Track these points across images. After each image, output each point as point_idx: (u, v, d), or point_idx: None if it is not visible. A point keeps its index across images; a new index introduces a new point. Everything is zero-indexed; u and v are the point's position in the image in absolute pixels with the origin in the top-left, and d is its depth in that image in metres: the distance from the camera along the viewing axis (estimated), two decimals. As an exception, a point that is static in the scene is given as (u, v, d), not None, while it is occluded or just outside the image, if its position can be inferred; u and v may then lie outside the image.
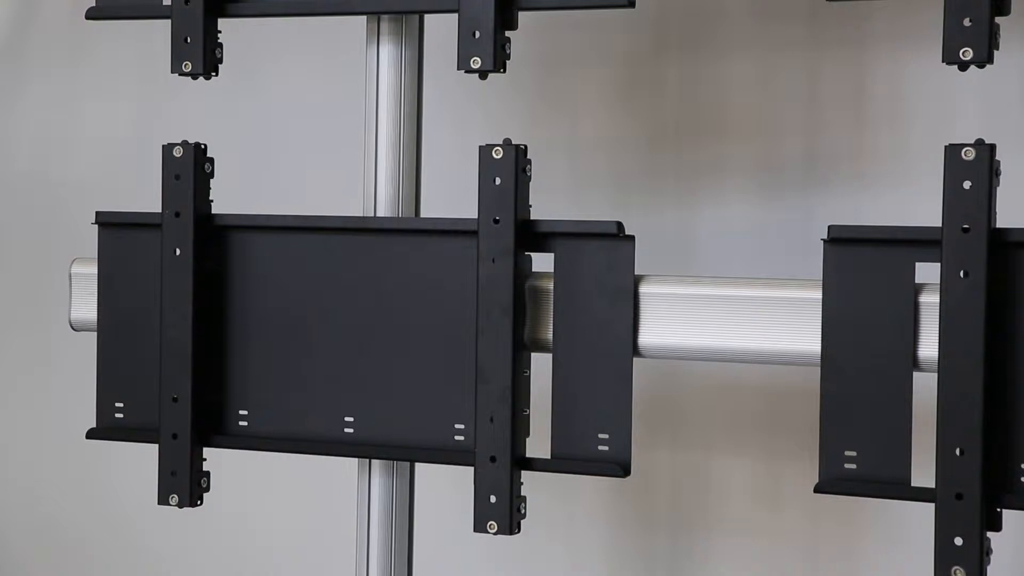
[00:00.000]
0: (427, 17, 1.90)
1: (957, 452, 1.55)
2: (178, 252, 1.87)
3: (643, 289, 1.72)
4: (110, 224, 1.94)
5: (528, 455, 1.76)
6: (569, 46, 2.37)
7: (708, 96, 2.29)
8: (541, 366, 1.77)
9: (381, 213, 1.89)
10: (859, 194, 2.18)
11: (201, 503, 1.89)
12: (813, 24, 2.21)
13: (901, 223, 1.63)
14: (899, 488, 1.61)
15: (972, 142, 1.55)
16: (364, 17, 1.89)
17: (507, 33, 1.75)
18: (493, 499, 1.74)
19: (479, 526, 1.75)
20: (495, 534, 1.75)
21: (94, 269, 1.95)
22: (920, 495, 1.59)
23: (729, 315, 1.69)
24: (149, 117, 2.66)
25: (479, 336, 1.74)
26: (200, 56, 1.86)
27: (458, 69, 1.75)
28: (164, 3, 1.90)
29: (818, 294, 1.64)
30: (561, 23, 2.31)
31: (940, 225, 1.55)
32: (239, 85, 2.50)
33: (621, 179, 2.35)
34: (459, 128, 2.38)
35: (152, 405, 1.90)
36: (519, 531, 1.75)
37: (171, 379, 1.87)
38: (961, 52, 1.54)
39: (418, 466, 1.92)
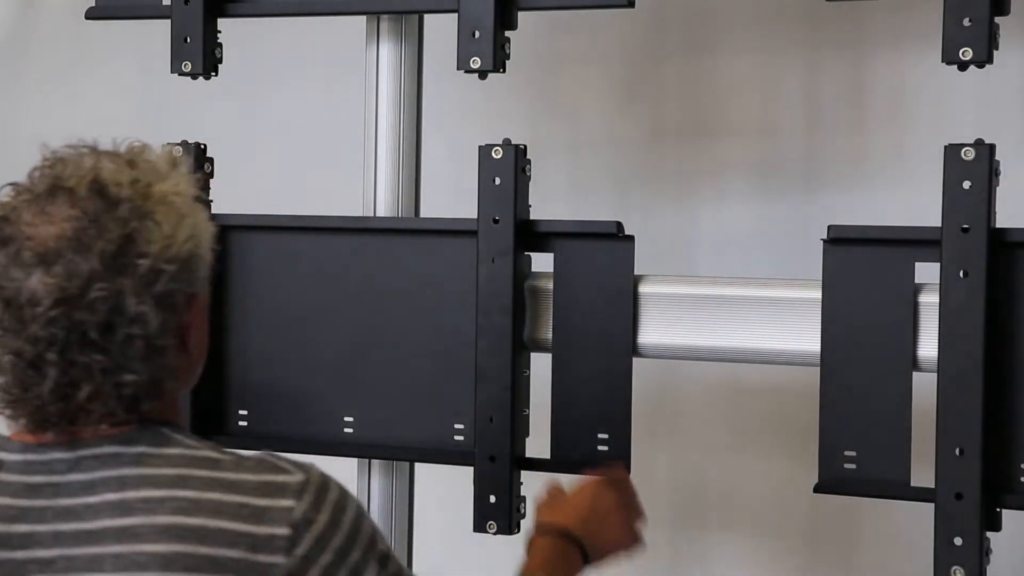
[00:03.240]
0: (427, 17, 1.90)
1: (957, 452, 1.55)
2: (178, 252, 1.86)
3: (643, 289, 1.72)
4: (110, 224, 1.93)
5: (528, 455, 1.76)
6: (569, 46, 2.37)
7: (708, 96, 2.29)
8: (541, 366, 1.76)
9: (381, 213, 1.89)
10: (859, 194, 2.18)
11: (201, 503, 1.89)
12: (813, 24, 2.21)
13: (901, 223, 1.63)
14: (899, 488, 1.61)
15: (972, 142, 1.54)
16: (364, 17, 1.89)
17: (507, 33, 1.75)
18: (493, 499, 1.74)
19: (479, 526, 1.75)
20: (495, 534, 1.75)
21: (94, 269, 1.95)
22: (920, 495, 1.59)
23: (729, 315, 1.69)
24: (149, 117, 2.66)
25: (479, 336, 1.74)
26: (200, 56, 1.86)
27: (458, 69, 1.74)
28: (164, 3, 1.90)
29: (818, 294, 1.64)
30: (561, 23, 2.31)
31: (940, 225, 1.55)
32: (239, 85, 2.50)
33: (621, 179, 2.35)
34: (459, 128, 2.38)
35: (152, 405, 1.90)
36: (519, 531, 1.75)
37: (171, 379, 1.87)
38: (961, 52, 1.54)
39: (418, 466, 1.92)
